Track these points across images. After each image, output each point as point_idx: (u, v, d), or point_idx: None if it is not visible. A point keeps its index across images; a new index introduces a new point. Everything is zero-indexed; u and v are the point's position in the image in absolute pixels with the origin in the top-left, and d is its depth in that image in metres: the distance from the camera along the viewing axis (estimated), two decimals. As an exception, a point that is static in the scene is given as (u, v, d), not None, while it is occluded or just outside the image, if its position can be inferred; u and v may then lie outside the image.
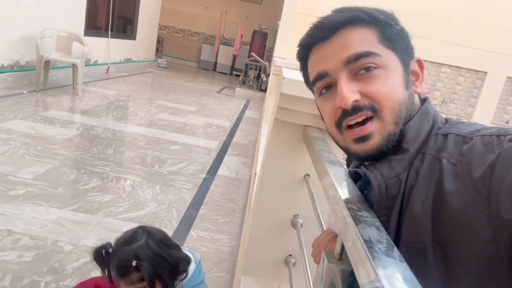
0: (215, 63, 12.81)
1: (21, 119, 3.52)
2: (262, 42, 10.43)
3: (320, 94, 0.69)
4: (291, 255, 1.33)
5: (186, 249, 1.27)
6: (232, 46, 12.05)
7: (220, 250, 2.02)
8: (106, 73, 7.33)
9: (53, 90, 5.06)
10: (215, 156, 3.58)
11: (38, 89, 4.78)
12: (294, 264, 1.30)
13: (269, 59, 8.75)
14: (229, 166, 3.39)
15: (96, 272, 1.25)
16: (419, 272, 0.54)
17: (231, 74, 12.69)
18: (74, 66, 5.05)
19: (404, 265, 0.41)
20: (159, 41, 12.07)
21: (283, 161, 1.27)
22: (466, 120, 0.66)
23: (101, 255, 1.10)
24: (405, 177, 0.59)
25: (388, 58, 0.62)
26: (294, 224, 1.27)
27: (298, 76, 0.84)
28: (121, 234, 1.15)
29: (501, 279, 0.49)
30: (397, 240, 0.58)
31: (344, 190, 0.63)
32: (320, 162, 0.80)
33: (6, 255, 1.63)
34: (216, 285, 1.71)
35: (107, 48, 7.43)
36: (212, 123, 4.99)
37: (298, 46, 0.72)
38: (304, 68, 0.73)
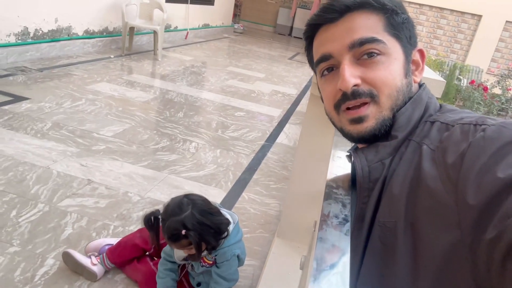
0: (291, 27, 12.62)
1: (107, 82, 3.94)
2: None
3: (322, 75, 0.71)
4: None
5: (226, 211, 1.41)
6: (310, 9, 11.71)
7: (268, 213, 2.16)
8: (185, 38, 7.69)
9: (137, 55, 5.49)
10: (276, 124, 3.68)
11: (124, 54, 5.23)
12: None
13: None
14: (289, 134, 3.47)
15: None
16: (388, 249, 0.60)
17: (307, 39, 12.42)
18: (154, 32, 5.40)
19: (346, 239, 0.48)
20: (237, 6, 12.17)
21: (318, 135, 1.32)
22: (457, 108, 0.66)
23: (151, 221, 1.29)
24: (388, 162, 0.63)
25: (392, 45, 0.65)
26: (325, 195, 1.34)
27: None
28: (168, 201, 1.33)
29: (462, 262, 0.51)
30: (373, 219, 0.64)
31: (336, 168, 0.69)
32: (336, 141, 0.86)
33: (85, 200, 1.95)
34: (260, 244, 1.87)
35: (186, 14, 7.74)
36: (279, 90, 5.06)
37: (305, 26, 0.74)
38: (309, 48, 0.76)
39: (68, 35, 4.70)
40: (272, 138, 3.30)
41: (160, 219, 1.29)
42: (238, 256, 1.39)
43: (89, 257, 1.49)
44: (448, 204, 0.52)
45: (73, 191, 2.00)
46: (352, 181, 0.77)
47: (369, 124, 0.65)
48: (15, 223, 1.69)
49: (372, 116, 0.64)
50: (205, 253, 1.34)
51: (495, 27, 9.06)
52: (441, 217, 0.53)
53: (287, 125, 3.70)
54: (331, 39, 0.67)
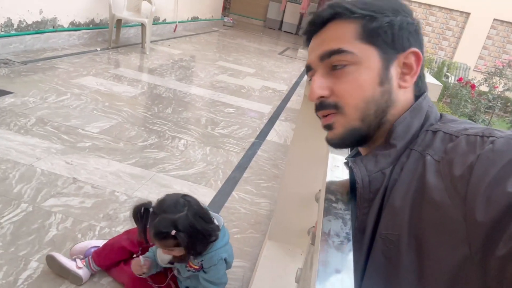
0: (281, 21, 12.57)
1: (93, 76, 3.85)
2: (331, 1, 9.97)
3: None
4: (314, 227, 1.39)
5: (213, 213, 1.38)
6: (300, 4, 11.67)
7: (258, 213, 2.13)
8: (174, 31, 7.58)
9: (124, 48, 5.38)
10: (266, 121, 3.65)
11: (110, 46, 5.12)
12: (316, 235, 1.36)
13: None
14: (279, 131, 3.44)
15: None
16: (392, 263, 0.57)
17: (296, 33, 12.41)
18: (142, 25, 5.30)
19: (349, 262, 0.45)
20: (227, -1, 12.06)
21: (311, 137, 1.30)
22: (459, 118, 0.64)
23: (140, 213, 1.24)
24: (389, 172, 0.61)
25: (364, 54, 0.63)
26: (317, 199, 1.31)
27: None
28: (163, 196, 1.29)
29: (471, 279, 0.50)
30: (375, 231, 0.62)
31: (334, 178, 0.67)
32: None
33: (70, 200, 1.89)
34: (250, 245, 1.84)
35: (175, 7, 7.62)
36: (269, 86, 5.02)
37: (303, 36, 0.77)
38: None
39: (53, 27, 4.57)
40: (263, 135, 3.27)
41: (151, 212, 1.24)
42: (225, 260, 1.36)
43: (74, 260, 1.45)
44: (456, 218, 0.50)
45: (57, 190, 1.94)
46: (351, 189, 0.75)
47: (338, 132, 0.66)
48: (-4, 224, 1.63)
49: (340, 125, 0.65)
50: (191, 257, 1.31)
51: (482, 25, 9.16)
52: (449, 232, 0.51)
53: (277, 122, 3.67)
54: (310, 51, 0.69)
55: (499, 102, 6.18)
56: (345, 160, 0.76)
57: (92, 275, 1.48)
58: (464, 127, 0.58)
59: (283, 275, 1.33)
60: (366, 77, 0.62)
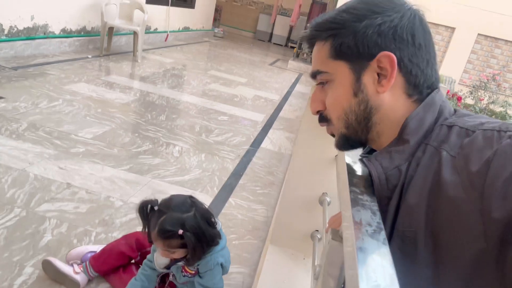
0: (271, 34, 12.69)
1: (85, 82, 3.80)
2: (320, 13, 10.14)
3: None
4: (317, 230, 1.39)
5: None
6: (290, 17, 11.82)
7: (255, 219, 2.12)
8: (165, 41, 7.58)
9: (115, 56, 5.35)
10: (260, 129, 3.65)
11: (102, 54, 5.08)
12: (319, 239, 1.35)
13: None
14: (273, 139, 3.45)
15: (140, 228, 1.39)
16: (409, 258, 0.57)
17: (286, 45, 12.53)
18: (134, 33, 5.29)
19: (386, 249, 0.45)
20: (217, 10, 12.14)
21: (315, 141, 1.30)
22: (473, 113, 0.64)
23: (146, 210, 1.21)
24: (405, 168, 0.61)
25: (336, 71, 0.66)
26: (321, 202, 1.31)
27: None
28: (169, 196, 1.26)
29: (488, 274, 0.50)
30: (393, 228, 0.61)
31: (354, 173, 0.66)
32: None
33: (64, 205, 1.84)
34: (248, 251, 1.82)
35: (167, 16, 7.64)
36: (261, 95, 5.04)
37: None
38: None
39: (45, 34, 4.52)
40: (257, 143, 3.26)
41: (157, 210, 1.21)
42: (221, 265, 1.33)
43: (71, 265, 1.41)
44: (472, 213, 0.50)
45: (51, 195, 1.90)
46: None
47: (336, 138, 0.72)
48: (-11, 229, 1.57)
49: (335, 133, 0.71)
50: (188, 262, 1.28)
51: (467, 40, 9.39)
52: (465, 227, 0.51)
53: (271, 130, 3.68)
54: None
55: (485, 115, 6.31)
56: (360, 157, 0.76)
57: (90, 280, 1.44)
58: (480, 122, 0.57)
59: (286, 280, 1.32)
60: (339, 92, 0.66)
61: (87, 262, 1.42)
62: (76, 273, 1.37)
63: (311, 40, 0.71)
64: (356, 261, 0.41)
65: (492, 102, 7.12)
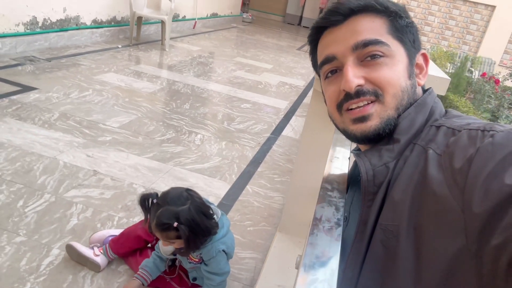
0: (301, 17, 12.49)
1: (114, 72, 3.95)
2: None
3: (326, 77, 0.72)
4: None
5: (212, 205, 1.42)
6: None
7: (271, 206, 2.17)
8: (193, 28, 7.65)
9: (144, 45, 5.49)
10: (282, 116, 3.67)
11: (131, 43, 5.23)
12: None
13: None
14: (295, 127, 3.46)
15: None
16: (390, 253, 0.59)
17: (316, 29, 12.31)
18: (162, 22, 5.39)
19: (337, 245, 0.48)
20: (246, -5, 12.06)
21: (321, 131, 1.32)
22: (465, 114, 0.65)
23: (147, 202, 1.29)
24: (393, 166, 0.62)
25: (395, 48, 0.65)
26: (326, 191, 1.34)
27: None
28: (168, 189, 1.33)
29: (467, 270, 0.51)
30: (376, 223, 0.62)
31: (334, 169, 0.69)
32: (336, 140, 0.86)
33: (90, 191, 1.97)
34: (262, 237, 1.88)
35: (194, 4, 7.70)
36: (286, 82, 5.03)
37: (310, 29, 0.76)
38: (313, 52, 0.77)
39: (76, 25, 4.70)
40: (278, 130, 3.29)
41: (155, 203, 1.28)
42: (224, 251, 1.38)
43: (92, 248, 1.52)
44: (454, 209, 0.51)
45: (79, 182, 2.03)
46: (352, 181, 0.77)
47: (373, 123, 0.65)
48: (21, 213, 1.72)
49: (377, 115, 0.64)
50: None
51: (509, 18, 8.87)
52: (447, 223, 0.52)
53: (293, 118, 3.69)
54: (335, 41, 0.67)
55: (524, 98, 5.98)
56: (351, 153, 0.77)
57: (110, 262, 1.55)
58: (467, 122, 0.59)
59: (291, 266, 1.36)
60: (399, 68, 0.65)
61: (107, 245, 1.52)
62: (96, 255, 1.48)
63: (366, 7, 0.66)
64: (303, 255, 0.44)
65: (535, 85, 6.72)
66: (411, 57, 0.67)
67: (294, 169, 1.46)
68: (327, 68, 0.70)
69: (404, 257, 0.57)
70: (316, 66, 0.77)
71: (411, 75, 0.66)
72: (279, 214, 2.09)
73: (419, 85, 0.68)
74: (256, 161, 2.65)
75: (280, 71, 5.58)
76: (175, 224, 1.21)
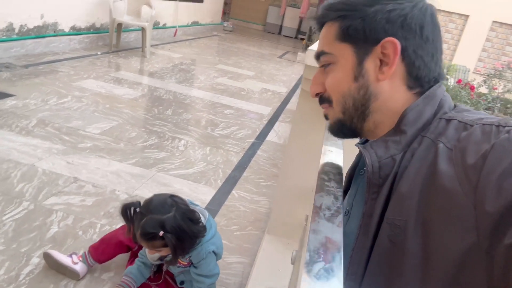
0: (281, 26, 12.63)
1: (94, 79, 3.88)
2: (330, 5, 10.03)
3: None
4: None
5: (197, 207, 1.39)
6: (299, 8, 11.74)
7: (258, 210, 2.15)
8: (174, 36, 7.62)
9: (124, 52, 5.42)
10: (266, 122, 3.67)
11: (111, 50, 5.16)
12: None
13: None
14: (279, 132, 3.46)
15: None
16: (397, 248, 0.57)
17: (296, 38, 12.46)
18: (142, 29, 5.34)
19: (339, 231, 0.47)
20: (226, 4, 12.13)
21: (308, 131, 1.32)
22: (472, 108, 0.64)
23: (129, 212, 1.25)
24: (400, 158, 0.60)
25: (340, 53, 0.65)
26: (315, 191, 1.33)
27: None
28: (151, 196, 1.30)
29: (477, 267, 0.50)
30: (382, 216, 0.60)
31: (327, 161, 0.68)
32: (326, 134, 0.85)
33: (71, 198, 1.91)
34: (249, 242, 1.85)
35: (175, 11, 7.68)
36: (269, 88, 5.05)
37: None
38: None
39: (54, 31, 4.61)
40: (262, 136, 3.28)
41: (138, 212, 1.24)
42: (214, 252, 1.36)
43: (71, 255, 1.46)
44: (465, 205, 0.50)
45: (59, 189, 1.96)
46: (353, 170, 0.76)
47: (330, 122, 0.72)
48: (-2, 222, 1.64)
49: (330, 117, 0.71)
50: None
51: (482, 27, 9.19)
52: (457, 219, 0.51)
53: (277, 123, 3.69)
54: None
55: (498, 103, 6.18)
56: (356, 145, 0.76)
57: (93, 270, 1.49)
58: (479, 117, 0.57)
59: (281, 268, 1.34)
60: (341, 74, 0.65)
61: (87, 252, 1.47)
62: (74, 263, 1.42)
63: (322, 20, 0.69)
64: (305, 242, 0.43)
65: (508, 91, 6.96)
66: (361, 55, 0.63)
67: (281, 171, 1.45)
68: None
69: (411, 253, 0.56)
70: None
71: (357, 77, 0.64)
72: (266, 218, 2.08)
73: (381, 80, 0.63)
74: (241, 166, 2.63)
75: (262, 78, 5.60)
76: (161, 233, 1.17)
